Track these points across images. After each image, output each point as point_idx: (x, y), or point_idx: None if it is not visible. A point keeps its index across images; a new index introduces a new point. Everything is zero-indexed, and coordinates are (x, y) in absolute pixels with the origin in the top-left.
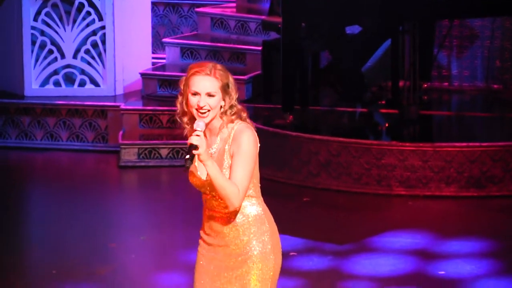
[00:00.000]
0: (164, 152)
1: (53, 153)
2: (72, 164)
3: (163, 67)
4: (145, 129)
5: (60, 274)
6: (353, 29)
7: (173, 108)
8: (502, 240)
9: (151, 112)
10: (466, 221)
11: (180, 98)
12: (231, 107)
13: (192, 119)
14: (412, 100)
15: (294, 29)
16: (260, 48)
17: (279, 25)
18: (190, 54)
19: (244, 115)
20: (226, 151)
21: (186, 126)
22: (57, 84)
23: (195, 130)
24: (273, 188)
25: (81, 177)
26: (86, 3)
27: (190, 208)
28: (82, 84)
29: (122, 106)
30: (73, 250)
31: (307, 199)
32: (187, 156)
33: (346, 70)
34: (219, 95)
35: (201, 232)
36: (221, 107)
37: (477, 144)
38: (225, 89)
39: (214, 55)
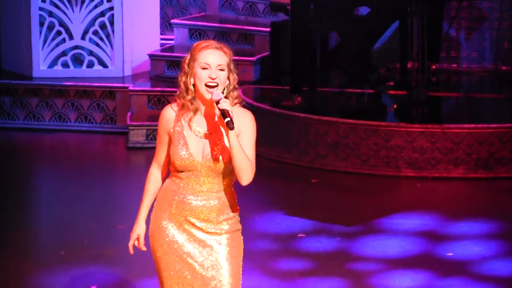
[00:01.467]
0: None
1: (61, 134)
2: (80, 145)
3: (171, 48)
4: (153, 110)
5: (68, 255)
6: (362, 11)
7: None
8: (510, 221)
9: (159, 93)
10: (474, 202)
11: (183, 78)
12: (234, 88)
13: (194, 100)
14: (420, 82)
15: (302, 10)
16: (268, 29)
17: (288, 7)
18: (199, 35)
19: (243, 102)
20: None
21: (188, 104)
22: (65, 65)
23: (218, 101)
24: (281, 169)
25: (89, 158)
26: None
27: None
28: (90, 65)
29: (131, 87)
30: (81, 232)
31: (315, 180)
32: (227, 119)
33: (354, 52)
34: (226, 71)
35: (156, 217)
36: (225, 87)
37: (485, 125)
38: (230, 67)
39: (222, 36)
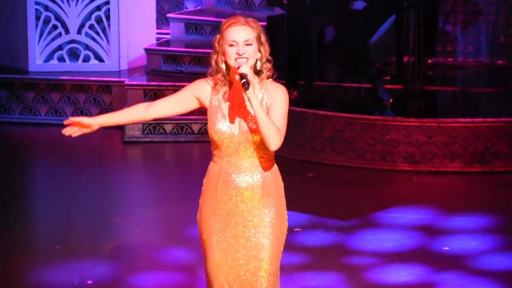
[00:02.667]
0: (168, 127)
1: (57, 129)
2: (76, 140)
3: (167, 43)
4: None
5: (65, 250)
6: (358, 5)
7: (177, 83)
8: (507, 215)
9: (155, 88)
10: (471, 196)
11: (214, 56)
12: (267, 60)
13: (225, 77)
14: (416, 76)
15: (299, 4)
16: (264, 23)
17: (284, 1)
18: (195, 29)
19: (275, 75)
20: (261, 105)
21: (219, 81)
22: (61, 59)
23: (239, 66)
24: (277, 163)
25: (86, 152)
26: None
27: (195, 184)
28: (86, 59)
29: (127, 82)
30: (77, 226)
31: (311, 174)
32: (244, 80)
33: (350, 46)
34: (255, 44)
35: (204, 200)
36: (257, 60)
37: (481, 119)
38: (260, 39)
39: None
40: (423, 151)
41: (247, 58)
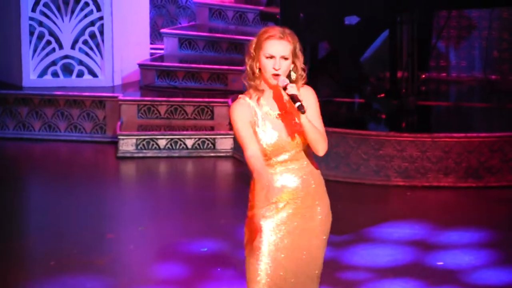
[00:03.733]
0: (162, 142)
1: (51, 144)
2: (70, 155)
3: (161, 58)
4: (143, 120)
5: (58, 265)
6: (351, 20)
7: (171, 98)
8: (500, 230)
9: (149, 103)
10: (464, 211)
11: (249, 61)
12: (302, 69)
13: (260, 82)
14: (410, 91)
15: (292, 19)
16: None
17: (278, 16)
18: (188, 44)
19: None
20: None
21: (254, 86)
22: (55, 74)
23: (285, 86)
24: None
25: (79, 168)
26: None
27: (188, 199)
28: (80, 74)
29: (120, 97)
30: (71, 241)
31: None
32: (298, 103)
33: (344, 61)
34: (290, 58)
35: (254, 207)
36: (290, 70)
37: (475, 134)
38: (295, 52)
39: (212, 45)
40: (417, 166)
41: (280, 74)
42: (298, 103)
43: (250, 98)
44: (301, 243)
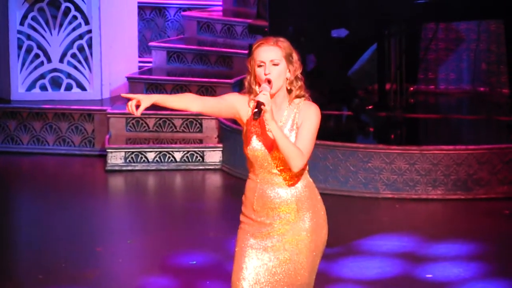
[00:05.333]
0: (150, 155)
1: (39, 157)
2: (58, 168)
3: (149, 71)
4: (131, 133)
5: (46, 279)
6: (339, 33)
7: (159, 111)
8: (489, 243)
9: (137, 116)
10: (453, 224)
11: (248, 77)
12: (296, 78)
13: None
14: (398, 103)
15: (280, 32)
16: (246, 51)
17: (266, 29)
18: (177, 57)
19: (307, 93)
20: (293, 126)
21: (251, 101)
22: (43, 88)
23: (261, 91)
24: None
25: (68, 181)
26: (72, 7)
27: (177, 212)
28: (68, 88)
29: (109, 110)
30: (59, 255)
31: None
32: (255, 110)
33: (332, 74)
34: (283, 64)
35: (243, 216)
36: (286, 78)
37: (464, 147)
38: (289, 59)
39: (201, 58)
40: (405, 179)
41: (270, 81)
42: (255, 110)
43: (249, 103)
44: (281, 257)
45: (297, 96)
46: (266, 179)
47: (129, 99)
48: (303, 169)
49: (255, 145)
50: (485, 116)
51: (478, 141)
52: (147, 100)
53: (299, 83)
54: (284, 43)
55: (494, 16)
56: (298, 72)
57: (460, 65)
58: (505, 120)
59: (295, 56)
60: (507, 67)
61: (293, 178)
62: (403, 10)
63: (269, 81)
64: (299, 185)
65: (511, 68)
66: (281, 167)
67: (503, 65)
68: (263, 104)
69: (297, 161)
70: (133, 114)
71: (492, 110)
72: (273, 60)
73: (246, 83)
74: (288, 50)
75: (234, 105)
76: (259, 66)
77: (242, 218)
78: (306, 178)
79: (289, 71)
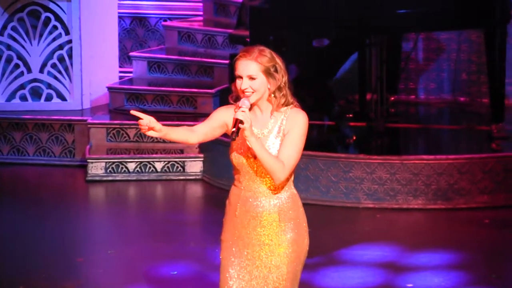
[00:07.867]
0: (131, 166)
1: (19, 168)
2: (39, 179)
3: (130, 81)
4: (112, 143)
5: None
6: (320, 42)
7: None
8: (470, 252)
9: (118, 126)
10: (434, 233)
11: (232, 86)
12: (279, 89)
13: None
14: (379, 113)
15: (261, 42)
16: (227, 61)
17: (247, 39)
18: (157, 67)
19: (294, 101)
20: (280, 132)
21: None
22: (23, 98)
23: (240, 107)
24: None
25: (48, 191)
26: (52, 17)
27: (158, 222)
28: (48, 98)
29: (89, 120)
30: (40, 265)
31: None
32: (233, 129)
33: (313, 83)
34: (261, 78)
35: (225, 225)
36: (268, 89)
37: (444, 156)
38: (268, 72)
39: (182, 68)
40: (386, 188)
41: (252, 92)
42: (233, 129)
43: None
44: (261, 266)
45: (285, 104)
46: (250, 187)
47: (138, 118)
48: (287, 179)
49: (241, 152)
50: (466, 126)
51: (459, 150)
52: (157, 126)
53: (283, 92)
54: (263, 57)
55: (474, 26)
56: (282, 82)
57: (440, 75)
58: (486, 130)
59: (278, 67)
60: (488, 77)
61: (277, 188)
62: (384, 20)
63: (246, 96)
64: (283, 195)
65: (492, 78)
66: (266, 177)
67: (483, 75)
68: (241, 122)
69: (279, 175)
70: (142, 131)
71: (473, 120)
72: (251, 75)
73: (233, 88)
74: (267, 64)
75: (223, 120)
76: (238, 78)
77: (224, 226)
78: (291, 188)
79: (269, 83)
